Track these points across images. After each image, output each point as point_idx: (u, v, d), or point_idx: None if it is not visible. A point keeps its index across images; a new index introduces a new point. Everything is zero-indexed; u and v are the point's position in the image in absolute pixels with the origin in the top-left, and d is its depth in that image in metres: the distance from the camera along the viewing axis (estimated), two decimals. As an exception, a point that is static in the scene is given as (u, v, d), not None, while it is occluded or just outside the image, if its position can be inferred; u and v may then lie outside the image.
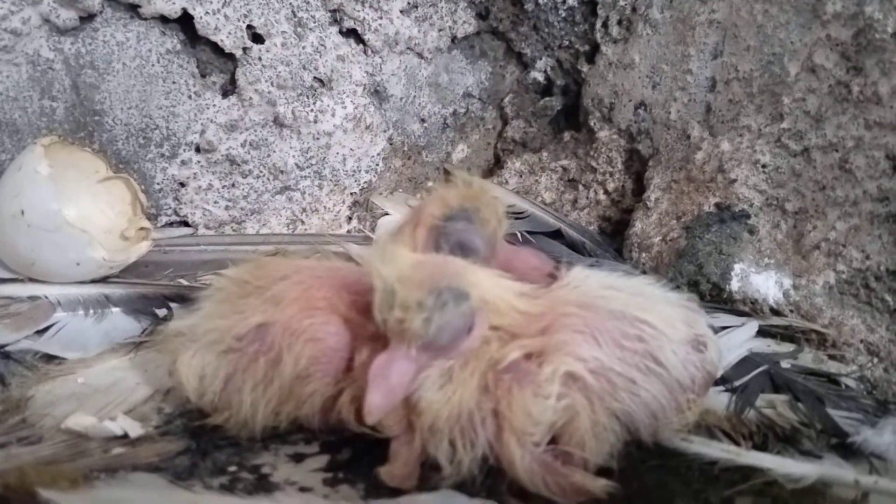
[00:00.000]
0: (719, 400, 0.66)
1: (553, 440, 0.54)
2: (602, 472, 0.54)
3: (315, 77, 0.94)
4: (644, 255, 0.88)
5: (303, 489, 0.54)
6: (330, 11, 0.93)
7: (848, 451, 0.61)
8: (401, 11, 0.97)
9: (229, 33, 0.89)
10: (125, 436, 0.59)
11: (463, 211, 0.62)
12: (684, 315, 0.58)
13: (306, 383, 0.57)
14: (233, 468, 0.56)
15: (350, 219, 1.03)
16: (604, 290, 0.58)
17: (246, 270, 0.63)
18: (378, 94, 1.00)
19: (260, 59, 0.91)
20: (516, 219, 0.96)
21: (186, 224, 0.95)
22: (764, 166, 0.82)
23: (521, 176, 1.07)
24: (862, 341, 0.74)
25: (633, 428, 0.56)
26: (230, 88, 0.92)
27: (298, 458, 0.58)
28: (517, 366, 0.54)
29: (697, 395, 0.58)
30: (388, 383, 0.52)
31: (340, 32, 0.95)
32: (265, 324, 0.57)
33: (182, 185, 0.93)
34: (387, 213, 1.02)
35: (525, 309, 0.56)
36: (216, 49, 0.90)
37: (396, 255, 0.54)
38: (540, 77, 1.09)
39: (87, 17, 0.84)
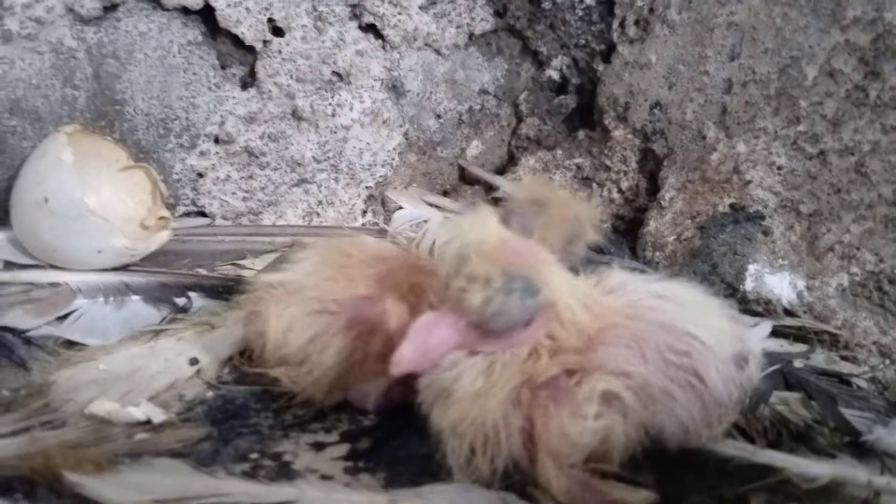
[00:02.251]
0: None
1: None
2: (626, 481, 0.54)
3: (333, 71, 0.95)
4: (658, 253, 0.89)
5: (324, 477, 0.55)
6: (350, 6, 0.94)
7: (861, 449, 0.62)
8: (420, 7, 0.98)
9: (250, 26, 0.89)
10: (148, 421, 0.59)
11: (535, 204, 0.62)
12: (732, 329, 0.56)
13: (383, 363, 0.56)
14: (254, 455, 0.57)
15: (365, 212, 1.04)
16: (652, 299, 0.56)
17: (348, 243, 0.64)
18: (395, 89, 1.01)
19: (280, 52, 0.92)
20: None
21: (204, 214, 0.96)
22: (779, 168, 0.82)
23: (534, 173, 1.08)
24: (874, 343, 0.75)
25: (660, 439, 0.55)
26: (250, 81, 0.93)
27: (319, 447, 0.58)
28: (555, 383, 0.52)
29: (731, 410, 0.57)
30: (425, 342, 0.51)
31: (360, 27, 0.96)
32: (370, 297, 0.59)
33: (200, 175, 0.94)
34: (401, 208, 1.03)
35: (584, 324, 0.54)
36: (237, 41, 0.91)
37: (487, 224, 0.53)
38: (555, 75, 1.10)
39: (111, 7, 0.85)
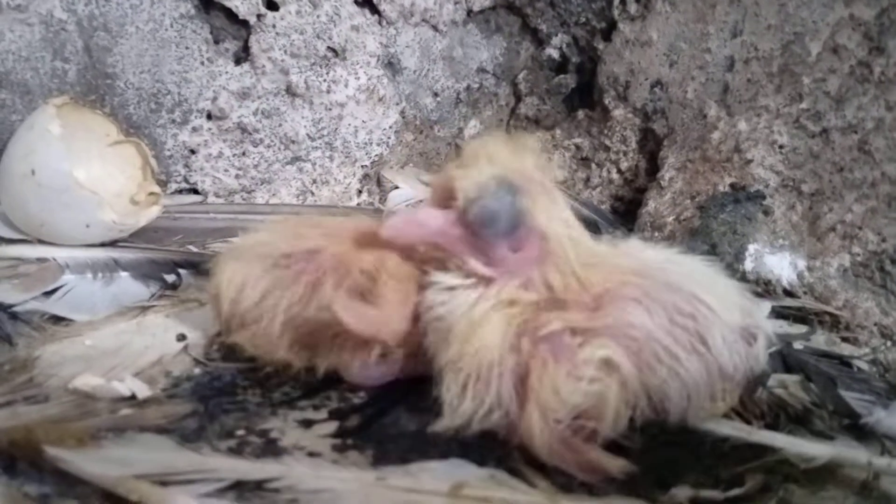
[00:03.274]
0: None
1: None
2: (615, 447, 0.53)
3: (329, 47, 0.94)
4: (657, 234, 0.88)
5: (311, 454, 0.53)
6: (345, -20, 0.93)
7: (860, 432, 0.61)
8: (417, -18, 0.96)
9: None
10: (133, 397, 0.58)
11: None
12: (742, 302, 0.56)
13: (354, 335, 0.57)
14: (241, 432, 0.55)
15: (360, 192, 1.02)
16: (663, 262, 0.56)
17: (311, 216, 0.66)
18: (392, 65, 1.00)
19: (274, 26, 0.90)
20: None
21: (196, 192, 0.94)
22: (781, 147, 0.81)
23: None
24: (876, 324, 0.73)
25: (663, 407, 0.54)
26: (243, 56, 0.92)
27: (307, 424, 0.57)
28: (557, 338, 0.52)
29: (735, 385, 0.57)
30: (415, 216, 0.53)
31: (355, 2, 0.94)
32: (318, 249, 0.58)
33: (192, 151, 0.92)
34: (397, 187, 1.02)
35: (584, 278, 0.54)
36: (230, 15, 0.89)
37: (522, 152, 0.54)
38: (555, 54, 1.08)
39: (101, -21, 0.84)
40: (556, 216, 0.54)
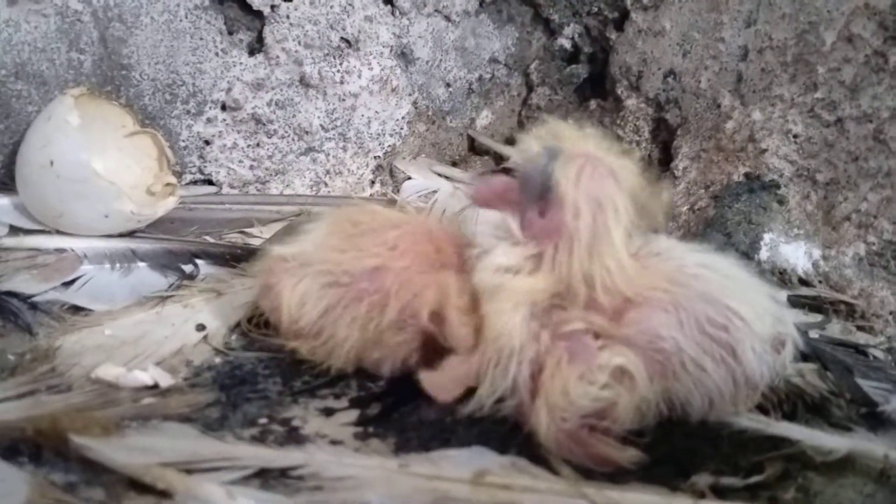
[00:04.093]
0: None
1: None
2: (630, 438, 0.54)
3: (342, 37, 0.94)
4: (671, 223, 0.88)
5: (333, 442, 0.54)
6: (359, -29, 0.93)
7: (877, 420, 0.61)
8: (430, -27, 0.97)
9: (258, -10, 0.88)
10: (155, 386, 0.59)
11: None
12: (774, 309, 0.56)
13: (399, 332, 0.58)
14: (263, 420, 0.56)
15: (373, 182, 1.03)
16: (697, 267, 0.56)
17: (358, 211, 0.64)
18: (404, 56, 1.00)
19: (288, 17, 0.90)
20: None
21: (211, 182, 0.95)
22: (796, 136, 0.81)
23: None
24: (891, 313, 0.73)
25: (683, 410, 0.55)
26: (257, 47, 0.92)
27: (328, 413, 0.58)
28: (578, 338, 0.53)
29: (758, 391, 0.57)
30: (488, 182, 0.57)
31: (369, -8, 0.94)
32: (380, 268, 0.59)
33: (207, 143, 0.93)
34: (410, 178, 1.02)
35: (623, 283, 0.54)
36: (244, 6, 0.90)
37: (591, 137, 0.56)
38: (567, 44, 1.08)
39: (117, -30, 0.84)
40: (604, 199, 0.53)
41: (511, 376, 0.53)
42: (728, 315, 0.54)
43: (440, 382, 0.56)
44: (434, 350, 0.58)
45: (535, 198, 0.53)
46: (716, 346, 0.53)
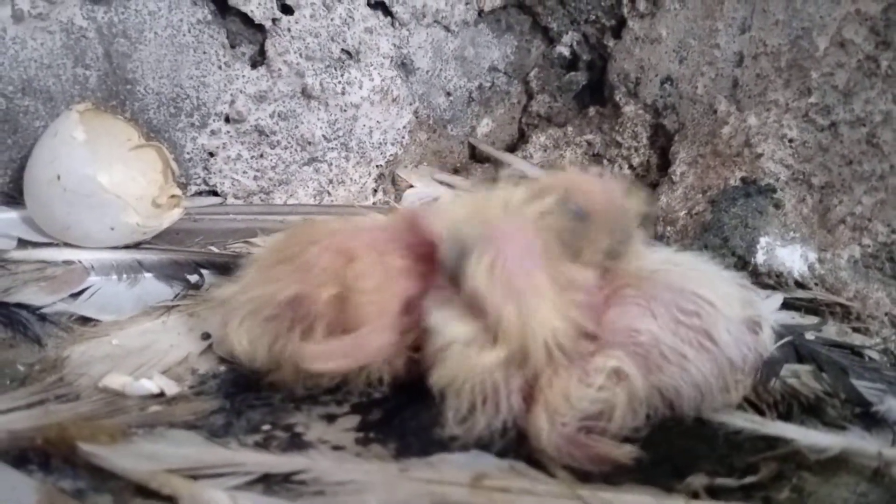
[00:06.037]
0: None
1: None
2: (626, 437, 0.55)
3: (343, 49, 0.95)
4: (669, 228, 0.89)
5: (335, 448, 0.55)
6: (358, -17, 0.94)
7: (871, 420, 0.62)
8: (429, -16, 0.98)
9: (259, 4, 0.89)
10: (161, 394, 0.60)
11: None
12: (742, 294, 0.58)
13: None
14: (266, 427, 0.57)
15: (376, 191, 1.04)
16: (661, 263, 0.58)
17: (280, 238, 0.64)
18: (405, 66, 1.01)
19: (289, 30, 0.92)
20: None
21: (215, 193, 0.96)
22: (791, 141, 0.82)
23: (545, 150, 1.08)
24: (886, 314, 0.74)
25: (676, 403, 0.56)
26: (259, 59, 0.93)
27: (330, 419, 0.59)
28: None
29: (746, 375, 0.58)
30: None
31: (368, 4, 0.96)
32: (297, 296, 0.58)
33: (211, 154, 0.94)
34: (412, 186, 1.03)
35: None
36: (246, 20, 0.91)
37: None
38: (566, 52, 1.10)
39: (120, -13, 0.85)
40: (522, 285, 0.52)
41: (504, 408, 0.53)
42: (697, 301, 0.55)
43: (320, 351, 0.56)
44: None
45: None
46: (692, 333, 0.55)
